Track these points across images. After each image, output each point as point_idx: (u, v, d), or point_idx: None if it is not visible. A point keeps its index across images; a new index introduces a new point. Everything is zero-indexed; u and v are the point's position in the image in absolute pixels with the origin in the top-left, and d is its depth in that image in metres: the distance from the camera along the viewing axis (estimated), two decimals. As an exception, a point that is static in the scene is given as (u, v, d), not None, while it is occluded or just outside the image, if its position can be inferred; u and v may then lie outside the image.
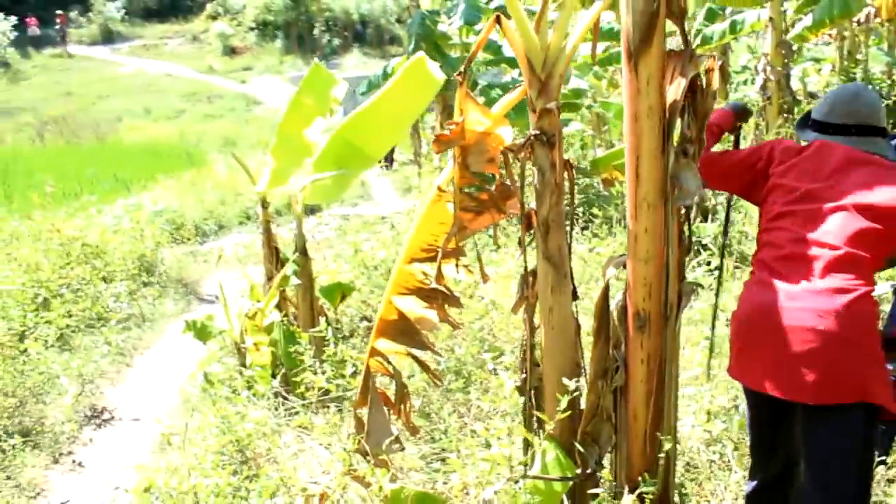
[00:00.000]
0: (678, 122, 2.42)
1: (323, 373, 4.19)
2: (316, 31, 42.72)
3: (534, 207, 2.76)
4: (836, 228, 2.36)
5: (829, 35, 15.54)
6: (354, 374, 4.28)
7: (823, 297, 2.27)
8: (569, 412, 2.61)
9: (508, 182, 2.84)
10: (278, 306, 5.08)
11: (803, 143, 2.68)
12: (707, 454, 3.50)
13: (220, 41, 43.07)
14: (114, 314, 7.01)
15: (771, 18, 10.28)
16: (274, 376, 4.70)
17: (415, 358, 3.10)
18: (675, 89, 2.36)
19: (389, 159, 19.38)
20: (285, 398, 4.49)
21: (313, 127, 5.13)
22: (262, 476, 3.41)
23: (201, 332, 5.11)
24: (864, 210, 2.35)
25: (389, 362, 3.07)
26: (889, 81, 12.99)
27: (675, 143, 2.41)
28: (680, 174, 2.38)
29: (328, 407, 4.31)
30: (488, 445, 2.80)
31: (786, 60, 10.56)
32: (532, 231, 2.82)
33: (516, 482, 2.42)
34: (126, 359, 6.47)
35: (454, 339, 4.79)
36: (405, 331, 3.02)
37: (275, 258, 5.35)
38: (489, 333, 4.88)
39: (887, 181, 2.41)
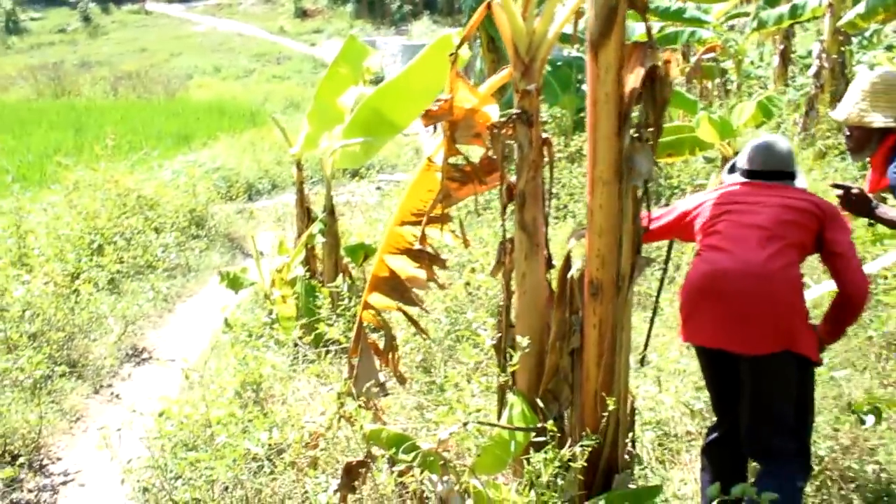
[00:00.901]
0: (637, 108, 2.62)
1: (338, 325, 4.53)
2: (386, -3, 43.04)
3: (513, 181, 3.01)
4: (767, 219, 2.82)
5: (907, 22, 15.10)
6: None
7: (760, 264, 2.71)
8: (522, 368, 2.87)
9: (493, 156, 3.08)
10: (306, 262, 5.43)
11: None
12: (684, 426, 3.73)
13: (292, 3, 43.74)
14: (161, 263, 7.49)
15: (830, 4, 10.14)
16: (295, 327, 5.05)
17: (404, 312, 3.39)
18: (635, 78, 2.57)
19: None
20: (302, 348, 4.84)
21: (346, 95, 5.42)
22: (269, 414, 3.77)
23: (234, 282, 5.50)
24: (787, 208, 2.84)
25: (380, 315, 3.37)
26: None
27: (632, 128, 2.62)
28: (634, 156, 2.59)
29: (340, 357, 4.65)
30: (459, 391, 3.06)
31: (842, 48, 10.40)
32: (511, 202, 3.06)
33: (465, 425, 2.68)
34: (169, 305, 6.94)
35: (468, 302, 5.06)
36: (396, 287, 3.31)
37: (306, 217, 5.70)
38: (476, 292, 5.11)
39: (800, 193, 2.96)
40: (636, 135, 2.60)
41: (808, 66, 14.71)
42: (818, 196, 2.98)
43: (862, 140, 3.27)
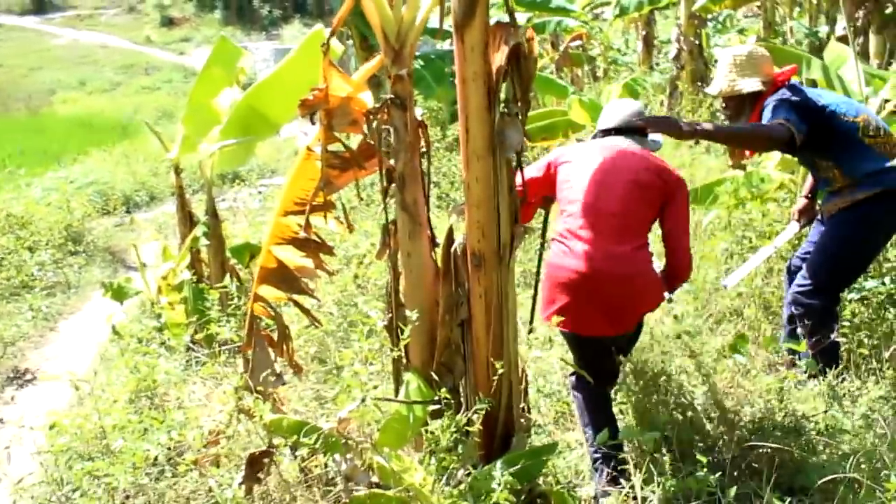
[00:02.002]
0: (504, 84, 2.77)
1: (228, 325, 4.51)
2: (256, 2, 42.25)
3: (393, 164, 3.11)
4: (620, 205, 3.18)
5: (756, 7, 16.11)
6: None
7: (623, 260, 3.15)
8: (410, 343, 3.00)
9: (371, 141, 3.17)
10: (192, 266, 5.36)
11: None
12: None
13: (157, 11, 42.34)
14: (38, 282, 7.20)
15: (683, -10, 10.73)
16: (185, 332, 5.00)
17: (296, 303, 3.43)
18: (500, 56, 2.72)
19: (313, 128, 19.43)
20: (195, 352, 4.79)
21: (221, 97, 5.39)
22: (166, 417, 3.73)
23: (118, 293, 5.38)
24: (636, 186, 3.21)
25: (272, 307, 3.40)
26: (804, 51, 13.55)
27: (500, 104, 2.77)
28: (504, 130, 2.74)
29: (234, 357, 4.63)
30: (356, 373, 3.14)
31: (698, 31, 11.02)
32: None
33: (363, 401, 2.76)
34: (50, 323, 6.69)
35: (359, 294, 5.13)
36: (285, 278, 3.35)
37: (189, 223, 5.62)
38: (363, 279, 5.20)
39: (649, 162, 3.30)
40: (505, 110, 2.75)
41: (667, 52, 15.56)
42: (665, 165, 3.33)
43: (738, 107, 3.79)
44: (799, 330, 3.93)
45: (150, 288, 5.35)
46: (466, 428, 2.78)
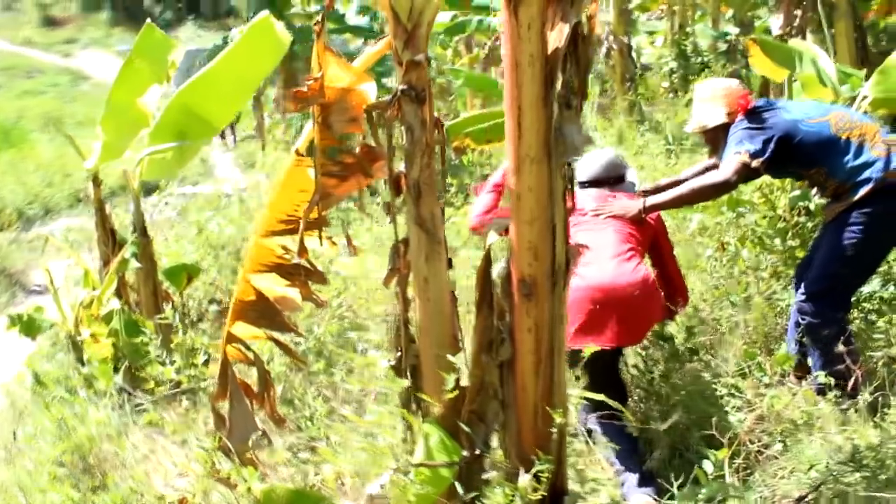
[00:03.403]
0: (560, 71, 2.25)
1: (172, 363, 3.82)
2: (147, 2, 40.24)
3: (403, 170, 2.54)
4: (617, 238, 3.35)
5: (661, 10, 16.20)
6: (207, 363, 3.94)
7: (634, 271, 3.24)
8: (455, 391, 2.44)
9: (373, 143, 2.59)
10: (118, 293, 4.60)
11: None
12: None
13: (37, 10, 39.75)
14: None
15: (614, -11, 10.50)
16: (116, 370, 4.24)
17: (276, 341, 2.81)
18: (557, 36, 2.19)
19: (227, 134, 18.45)
20: (130, 394, 4.06)
21: (148, 95, 4.65)
22: (109, 485, 3.04)
23: (29, 327, 4.55)
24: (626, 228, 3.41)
25: (249, 348, 2.77)
26: (713, 54, 13.72)
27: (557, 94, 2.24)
28: (564, 127, 2.22)
29: (179, 401, 3.93)
30: (371, 435, 2.56)
31: (627, 29, 10.84)
32: (402, 196, 2.60)
33: (406, 473, 2.20)
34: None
35: (312, 318, 4.50)
36: (265, 312, 2.72)
37: (111, 241, 4.83)
38: (348, 310, 4.62)
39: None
40: (565, 102, 2.23)
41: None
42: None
43: (714, 140, 3.84)
44: (800, 340, 3.80)
45: (66, 319, 4.55)
46: (530, 497, 2.24)
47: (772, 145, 3.60)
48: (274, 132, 10.88)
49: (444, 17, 11.57)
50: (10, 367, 5.03)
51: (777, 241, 4.86)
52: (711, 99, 3.82)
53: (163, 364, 3.80)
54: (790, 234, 4.91)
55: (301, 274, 2.66)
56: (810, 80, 4.74)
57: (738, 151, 3.56)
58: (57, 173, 12.52)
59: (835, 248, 3.70)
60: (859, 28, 8.24)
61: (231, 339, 2.75)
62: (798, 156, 3.70)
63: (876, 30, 10.39)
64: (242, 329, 2.74)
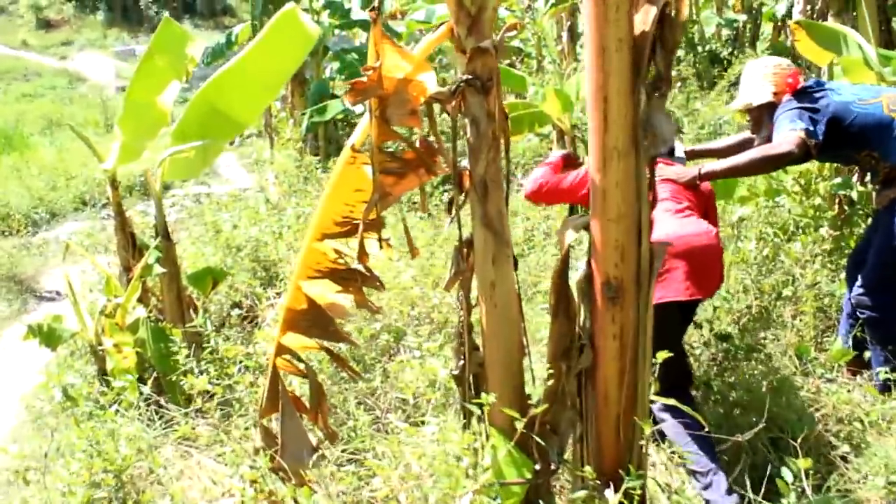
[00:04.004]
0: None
1: (203, 373, 3.62)
2: (142, 1, 39.94)
3: (466, 166, 2.35)
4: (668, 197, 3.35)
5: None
6: (242, 372, 3.76)
7: (697, 225, 3.24)
8: (538, 402, 2.27)
9: (433, 137, 2.41)
10: (140, 300, 4.41)
11: None
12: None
13: (32, 13, 39.45)
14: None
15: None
16: (142, 381, 4.05)
17: (329, 352, 2.63)
18: (643, 18, 2.01)
19: None
20: (160, 406, 3.87)
21: (168, 92, 4.45)
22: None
23: (49, 337, 4.35)
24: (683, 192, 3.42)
25: (301, 360, 2.58)
26: (721, 42, 13.55)
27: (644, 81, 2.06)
28: (653, 116, 2.04)
29: (212, 413, 3.74)
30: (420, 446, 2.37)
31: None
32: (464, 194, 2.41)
33: (493, 497, 2.02)
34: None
35: (340, 322, 4.29)
36: (317, 321, 2.54)
37: (131, 245, 4.64)
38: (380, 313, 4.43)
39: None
40: (654, 89, 2.04)
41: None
42: None
43: (757, 119, 3.78)
44: (856, 334, 3.75)
45: (87, 328, 4.36)
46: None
47: (822, 126, 3.49)
48: (282, 130, 10.64)
49: (442, 10, 11.35)
50: (24, 380, 4.84)
51: (823, 230, 4.70)
52: (759, 77, 3.75)
53: (194, 374, 3.61)
54: (837, 222, 4.75)
55: (357, 279, 2.47)
56: (853, 63, 4.55)
57: (793, 129, 3.45)
58: (60, 177, 12.30)
59: (891, 235, 3.58)
60: (883, 10, 8.03)
61: (281, 350, 2.56)
62: (849, 138, 3.58)
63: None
64: (293, 339, 2.56)
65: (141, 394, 3.82)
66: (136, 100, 4.50)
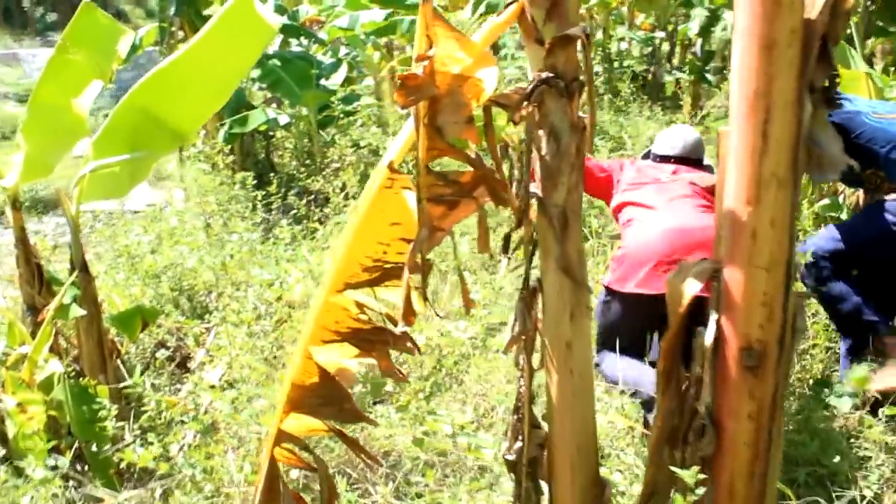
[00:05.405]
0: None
1: (146, 443, 2.91)
2: (26, 3, 37.39)
3: (538, 192, 1.78)
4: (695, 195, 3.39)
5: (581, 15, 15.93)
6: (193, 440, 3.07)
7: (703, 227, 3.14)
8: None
9: (490, 153, 1.82)
10: (51, 348, 3.60)
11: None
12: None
13: None
14: None
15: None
16: (57, 451, 3.26)
17: (342, 435, 1.98)
18: (813, 9, 1.49)
19: None
20: (81, 485, 3.09)
21: (86, 94, 3.68)
22: None
23: (-70, 397, 3.48)
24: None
25: (308, 449, 1.93)
26: (637, 58, 13.51)
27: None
28: (819, 133, 1.52)
29: (151, 492, 3.00)
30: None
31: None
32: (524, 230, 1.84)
33: None
34: None
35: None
36: (330, 398, 1.90)
37: (37, 280, 3.83)
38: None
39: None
40: (824, 97, 1.52)
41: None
42: None
43: None
44: None
45: (-18, 383, 3.53)
46: None
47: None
48: (194, 140, 9.73)
49: (376, 17, 10.76)
50: None
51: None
52: None
53: (129, 444, 2.88)
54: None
55: (387, 340, 1.85)
56: (854, 77, 4.26)
57: None
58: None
59: (868, 224, 3.48)
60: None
61: (282, 437, 1.91)
62: (854, 153, 3.28)
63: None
64: (297, 423, 1.90)
65: (55, 468, 3.05)
66: (44, 102, 3.69)
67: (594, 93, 1.77)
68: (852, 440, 3.05)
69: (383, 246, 1.79)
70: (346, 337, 1.84)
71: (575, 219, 1.78)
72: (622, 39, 13.50)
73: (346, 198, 6.06)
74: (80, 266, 3.65)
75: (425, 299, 1.79)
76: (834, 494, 2.70)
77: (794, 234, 1.57)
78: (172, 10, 8.67)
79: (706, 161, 3.70)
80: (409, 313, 1.69)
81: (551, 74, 1.70)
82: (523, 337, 1.87)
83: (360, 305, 1.84)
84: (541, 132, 1.75)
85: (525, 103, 1.73)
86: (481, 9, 10.31)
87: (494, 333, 3.92)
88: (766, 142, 1.49)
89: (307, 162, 8.43)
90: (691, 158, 3.59)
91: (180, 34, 9.40)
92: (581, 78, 1.73)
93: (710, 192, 3.33)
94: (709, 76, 10.91)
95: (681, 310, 1.68)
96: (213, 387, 3.84)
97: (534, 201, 1.78)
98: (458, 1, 12.29)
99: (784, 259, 1.56)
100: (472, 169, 1.76)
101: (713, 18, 13.59)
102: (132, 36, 3.80)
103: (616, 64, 12.58)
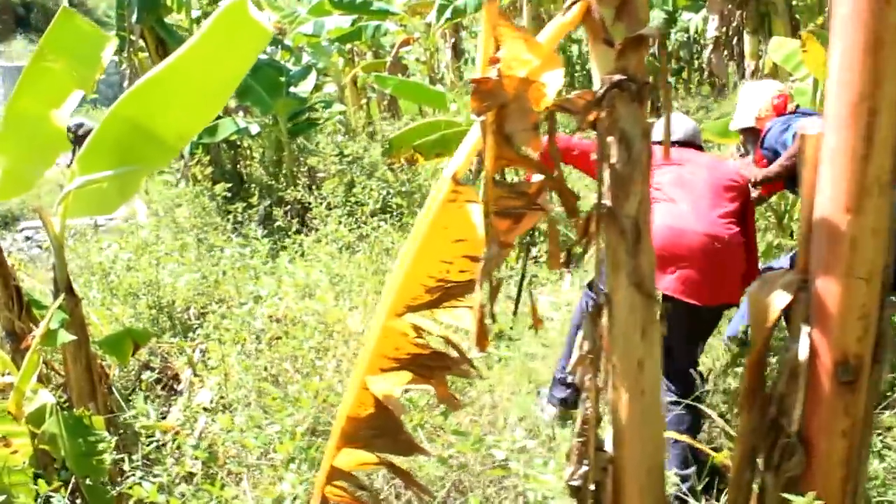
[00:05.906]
0: None
1: (150, 474, 2.73)
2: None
3: (607, 202, 1.67)
4: (708, 183, 3.26)
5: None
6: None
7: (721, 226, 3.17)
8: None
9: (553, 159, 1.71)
10: (39, 378, 3.38)
11: None
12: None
13: None
14: None
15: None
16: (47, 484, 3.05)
17: (394, 468, 1.85)
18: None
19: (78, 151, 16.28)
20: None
21: (67, 106, 3.47)
22: None
23: None
24: (721, 178, 3.33)
25: (363, 486, 1.79)
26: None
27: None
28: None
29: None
30: None
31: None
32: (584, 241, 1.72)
33: None
34: None
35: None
36: (385, 429, 1.76)
37: (17, 305, 3.60)
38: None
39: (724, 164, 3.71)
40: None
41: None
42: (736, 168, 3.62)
43: (745, 141, 4.05)
44: None
45: (-39, 416, 3.29)
46: None
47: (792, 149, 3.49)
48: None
49: (342, 23, 10.60)
50: None
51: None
52: (745, 102, 3.93)
53: (137, 483, 2.69)
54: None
55: (447, 365, 1.72)
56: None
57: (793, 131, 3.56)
58: None
59: None
60: (796, 28, 8.07)
61: (334, 474, 1.76)
62: None
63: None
64: (350, 458, 1.76)
65: (48, 504, 2.85)
66: (21, 113, 3.47)
67: (670, 96, 1.66)
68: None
69: (446, 265, 1.66)
70: (404, 364, 1.71)
71: (647, 230, 1.67)
72: (580, 41, 13.52)
73: (329, 207, 5.89)
74: (66, 288, 3.43)
75: (493, 319, 1.66)
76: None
77: (892, 243, 1.48)
78: (134, 18, 8.36)
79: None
80: (482, 337, 1.56)
81: (623, 77, 1.60)
82: (590, 356, 1.75)
83: (417, 329, 1.71)
84: (610, 139, 1.64)
85: (596, 109, 1.62)
86: (447, 14, 10.20)
87: (497, 345, 3.81)
88: (871, 145, 1.40)
89: (275, 171, 8.23)
90: (695, 143, 3.60)
91: (140, 42, 9.12)
92: (650, 80, 1.62)
93: (729, 188, 3.29)
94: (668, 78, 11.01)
95: (767, 324, 1.58)
96: (206, 409, 3.68)
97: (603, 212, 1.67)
98: (421, 7, 12.21)
99: (881, 270, 1.48)
100: (537, 179, 1.64)
101: (670, 21, 13.74)
102: (115, 43, 3.56)
103: (577, 67, 12.63)
